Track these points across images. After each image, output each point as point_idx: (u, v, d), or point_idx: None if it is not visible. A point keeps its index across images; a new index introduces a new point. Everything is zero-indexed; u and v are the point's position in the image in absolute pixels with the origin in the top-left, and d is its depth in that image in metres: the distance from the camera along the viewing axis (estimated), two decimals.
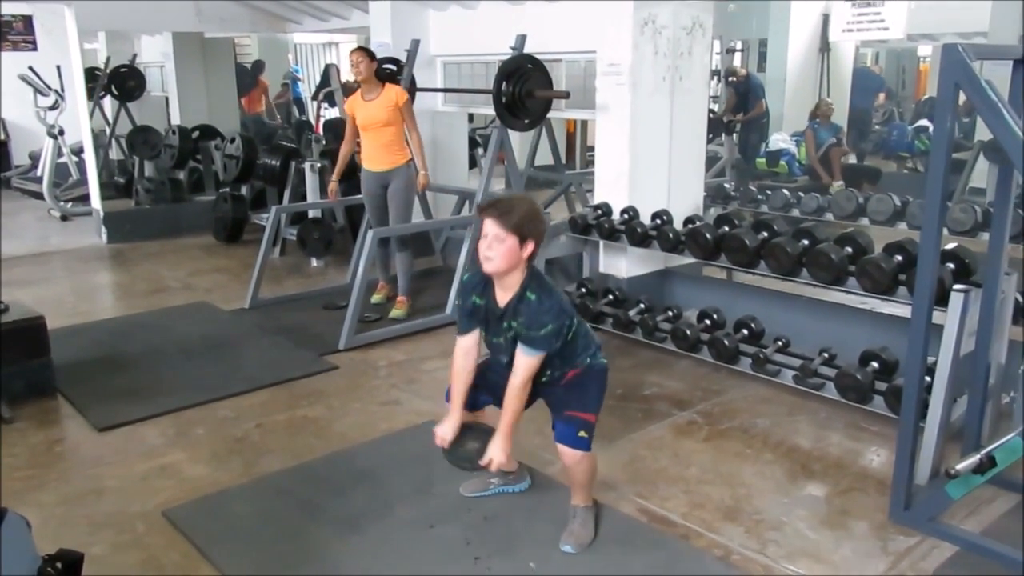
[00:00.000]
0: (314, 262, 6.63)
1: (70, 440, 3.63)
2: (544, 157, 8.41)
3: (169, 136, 8.55)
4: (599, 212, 4.92)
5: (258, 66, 12.48)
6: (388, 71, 5.23)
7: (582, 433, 2.62)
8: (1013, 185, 2.86)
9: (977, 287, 3.01)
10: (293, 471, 3.29)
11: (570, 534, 2.74)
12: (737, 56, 12.05)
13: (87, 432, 3.67)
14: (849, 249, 3.81)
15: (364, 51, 5.04)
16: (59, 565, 1.89)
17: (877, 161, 10.78)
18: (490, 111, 5.62)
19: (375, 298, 5.44)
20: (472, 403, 2.79)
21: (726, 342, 4.17)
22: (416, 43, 6.04)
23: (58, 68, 8.65)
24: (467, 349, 2.72)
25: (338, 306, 5.15)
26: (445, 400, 2.83)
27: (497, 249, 2.45)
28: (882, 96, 13.00)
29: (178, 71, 10.12)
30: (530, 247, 2.49)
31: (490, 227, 2.46)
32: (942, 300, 3.02)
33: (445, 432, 2.71)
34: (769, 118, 9.84)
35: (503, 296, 2.57)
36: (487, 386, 2.78)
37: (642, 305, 4.71)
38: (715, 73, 9.58)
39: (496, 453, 2.62)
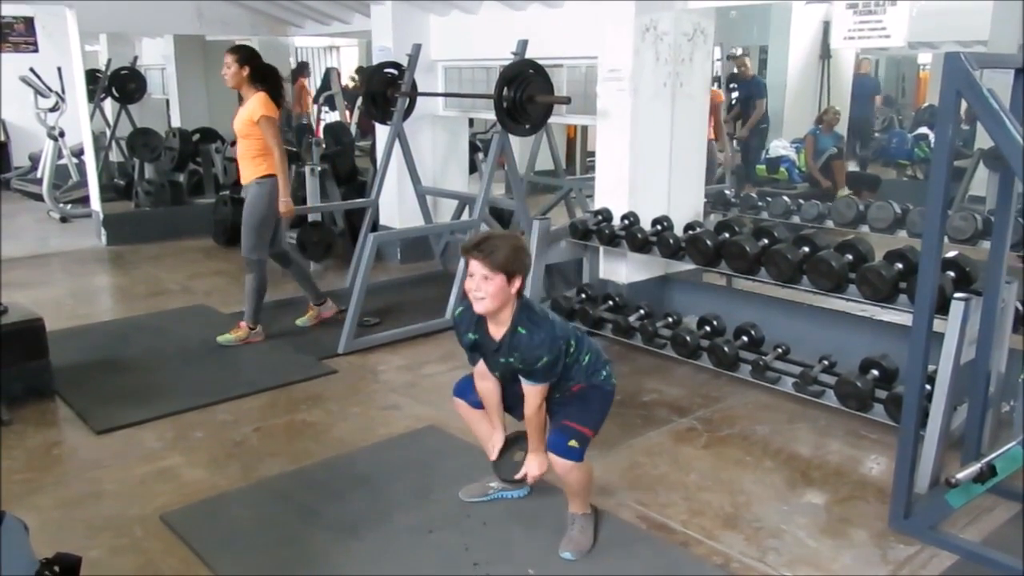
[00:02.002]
0: (313, 266, 6.63)
1: (68, 443, 3.63)
2: (545, 162, 8.42)
3: (169, 139, 8.56)
4: (599, 218, 4.92)
5: (300, 67, 12.35)
6: (263, 72, 4.56)
7: (573, 443, 2.60)
8: (1014, 193, 2.86)
9: (978, 295, 3.01)
10: (292, 475, 3.28)
11: (569, 540, 2.73)
12: None
13: (85, 435, 3.66)
14: (849, 256, 3.80)
15: (235, 53, 4.48)
16: (57, 569, 1.89)
17: (877, 168, 10.80)
18: (491, 116, 5.62)
19: (301, 320, 5.16)
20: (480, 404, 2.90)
21: (726, 349, 4.17)
22: (417, 48, 6.05)
23: (59, 70, 8.67)
24: (483, 372, 2.76)
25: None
26: (454, 395, 2.94)
27: (486, 288, 2.46)
28: (878, 99, 12.98)
29: (179, 74, 10.16)
30: (517, 282, 2.51)
31: (476, 267, 2.47)
32: (943, 308, 3.02)
33: (494, 444, 2.88)
34: (769, 123, 9.77)
35: (497, 331, 2.58)
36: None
37: (642, 311, 4.70)
38: (716, 79, 9.53)
39: (533, 468, 2.76)
